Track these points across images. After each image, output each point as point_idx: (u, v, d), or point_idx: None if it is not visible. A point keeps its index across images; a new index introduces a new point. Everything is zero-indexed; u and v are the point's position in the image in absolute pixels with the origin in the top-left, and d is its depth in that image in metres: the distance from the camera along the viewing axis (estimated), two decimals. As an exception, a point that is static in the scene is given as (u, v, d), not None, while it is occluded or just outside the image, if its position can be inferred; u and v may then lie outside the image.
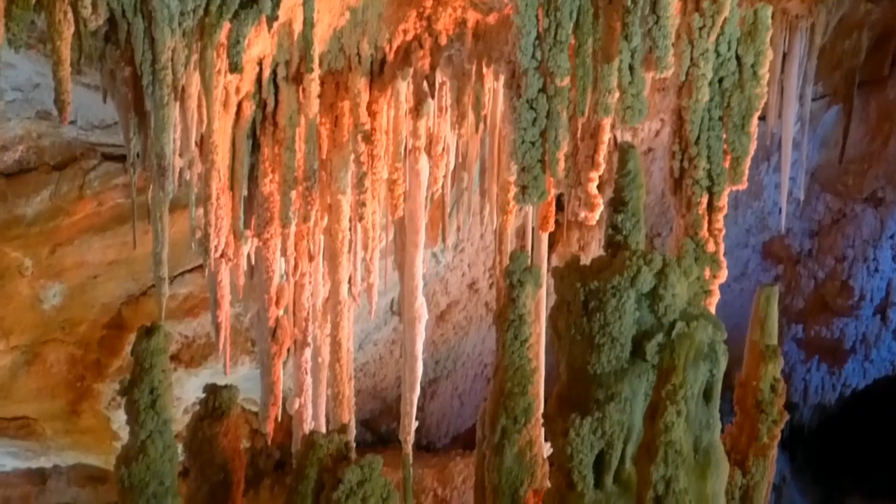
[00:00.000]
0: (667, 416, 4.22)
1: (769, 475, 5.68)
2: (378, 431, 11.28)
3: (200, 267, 8.04)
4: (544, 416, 4.95)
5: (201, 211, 6.37)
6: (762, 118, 6.57)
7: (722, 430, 5.01)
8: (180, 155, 6.07)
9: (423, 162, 6.91)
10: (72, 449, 9.55)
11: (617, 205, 5.11)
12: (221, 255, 6.53)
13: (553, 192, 6.42)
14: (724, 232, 6.27)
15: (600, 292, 4.69)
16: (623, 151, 5.21)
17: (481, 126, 6.99)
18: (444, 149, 7.01)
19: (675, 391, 4.22)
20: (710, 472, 4.61)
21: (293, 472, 4.86)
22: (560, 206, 7.67)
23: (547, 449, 5.37)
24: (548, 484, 5.26)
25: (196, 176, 6.32)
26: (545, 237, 7.32)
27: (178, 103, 5.75)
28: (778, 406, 5.62)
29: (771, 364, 5.57)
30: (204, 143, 6.19)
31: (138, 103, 5.81)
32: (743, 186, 6.28)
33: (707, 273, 6.12)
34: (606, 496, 4.77)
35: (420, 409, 9.13)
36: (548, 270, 6.37)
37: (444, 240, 7.99)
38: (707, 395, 4.65)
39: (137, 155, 6.06)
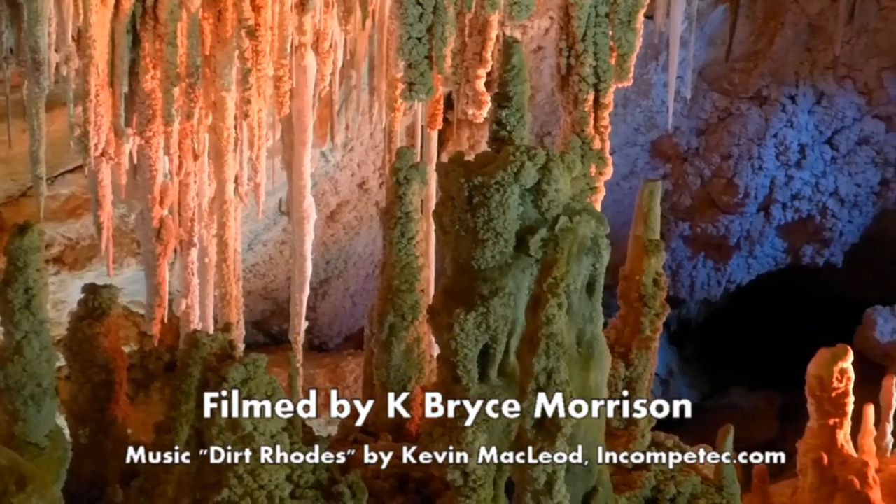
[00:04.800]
0: (548, 309, 4.25)
1: (651, 367, 5.80)
2: (270, 332, 11.26)
3: (82, 167, 7.86)
4: (429, 311, 4.96)
5: (80, 109, 6.21)
6: (650, 17, 6.59)
7: (607, 324, 5.09)
8: (56, 49, 5.90)
9: (310, 59, 6.78)
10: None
11: (501, 100, 5.07)
12: (102, 154, 6.37)
13: (441, 89, 6.38)
14: (609, 129, 6.31)
15: (484, 187, 4.68)
16: (507, 46, 5.16)
17: (369, 22, 6.89)
18: (331, 45, 6.89)
19: (557, 284, 4.26)
20: (592, 363, 4.69)
21: (176, 371, 4.80)
22: (450, 105, 7.64)
23: (435, 346, 5.41)
24: (434, 379, 5.30)
25: (73, 72, 6.15)
26: (434, 135, 7.29)
27: (52, -6, 5.59)
28: (660, 299, 5.72)
29: (654, 258, 5.65)
30: (81, 37, 6.00)
31: (9, -6, 5.62)
32: (629, 84, 6.31)
33: (593, 170, 6.18)
34: (491, 389, 4.82)
35: (311, 309, 9.13)
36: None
37: (332, 138, 7.91)
38: (590, 288, 4.71)
39: (10, 49, 5.90)
